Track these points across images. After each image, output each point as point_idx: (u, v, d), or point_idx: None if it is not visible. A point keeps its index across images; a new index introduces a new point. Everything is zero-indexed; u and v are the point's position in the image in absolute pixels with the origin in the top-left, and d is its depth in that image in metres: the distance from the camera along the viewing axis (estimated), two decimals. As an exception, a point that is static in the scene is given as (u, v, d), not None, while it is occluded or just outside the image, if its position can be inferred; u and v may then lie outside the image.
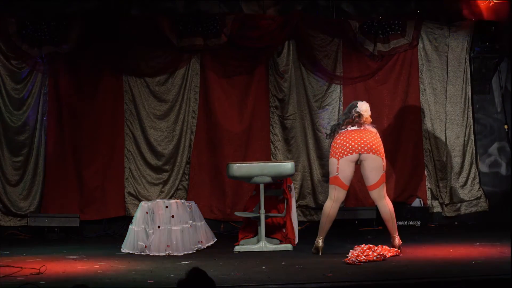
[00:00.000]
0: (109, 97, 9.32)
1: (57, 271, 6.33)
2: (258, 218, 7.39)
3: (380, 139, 7.23)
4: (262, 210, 7.34)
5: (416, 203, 9.41)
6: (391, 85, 9.59)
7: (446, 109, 9.63)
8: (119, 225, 9.11)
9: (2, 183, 9.10)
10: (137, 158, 9.36)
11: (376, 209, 9.23)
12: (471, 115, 9.68)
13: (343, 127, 7.23)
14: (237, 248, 7.42)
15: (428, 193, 9.55)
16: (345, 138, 7.11)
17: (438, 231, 8.96)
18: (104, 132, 9.30)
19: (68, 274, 6.23)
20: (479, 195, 9.61)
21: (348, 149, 7.07)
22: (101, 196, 9.26)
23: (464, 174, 9.62)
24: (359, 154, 7.06)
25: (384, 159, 7.16)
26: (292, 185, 7.75)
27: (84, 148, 9.26)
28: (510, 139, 9.69)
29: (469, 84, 9.67)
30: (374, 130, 7.23)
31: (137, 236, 7.43)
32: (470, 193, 9.61)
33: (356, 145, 7.07)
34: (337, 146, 7.13)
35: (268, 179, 7.41)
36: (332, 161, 7.16)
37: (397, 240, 7.08)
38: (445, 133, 9.62)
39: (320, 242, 7.12)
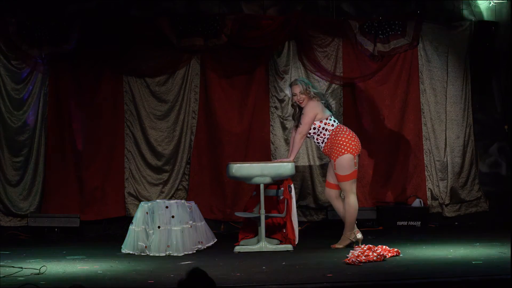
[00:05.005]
0: (109, 97, 9.32)
1: (57, 271, 6.33)
2: (258, 218, 7.39)
3: None
4: (262, 211, 7.34)
5: (416, 203, 9.41)
6: (391, 85, 9.59)
7: (446, 109, 9.63)
8: (119, 225, 9.11)
9: (2, 184, 9.10)
10: (137, 159, 9.37)
11: (376, 209, 9.31)
12: (471, 115, 9.68)
13: (336, 120, 7.55)
14: (237, 248, 7.41)
15: (428, 194, 9.55)
16: (353, 135, 7.46)
17: (438, 231, 8.96)
18: (104, 132, 9.30)
19: (68, 274, 6.23)
20: (479, 196, 9.61)
21: (359, 146, 7.47)
22: (101, 196, 9.26)
23: (464, 174, 9.62)
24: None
25: None
26: (292, 186, 7.75)
27: (84, 148, 9.26)
28: (510, 139, 9.70)
29: (469, 84, 9.67)
30: None
31: (137, 236, 7.42)
32: (470, 193, 9.61)
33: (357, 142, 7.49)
34: (352, 143, 7.39)
35: (268, 180, 7.40)
36: (349, 157, 7.36)
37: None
38: (445, 133, 9.62)
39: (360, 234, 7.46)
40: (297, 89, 7.48)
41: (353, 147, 7.36)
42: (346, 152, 7.33)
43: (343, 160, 7.34)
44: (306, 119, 7.42)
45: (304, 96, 7.46)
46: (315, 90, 7.51)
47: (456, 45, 9.63)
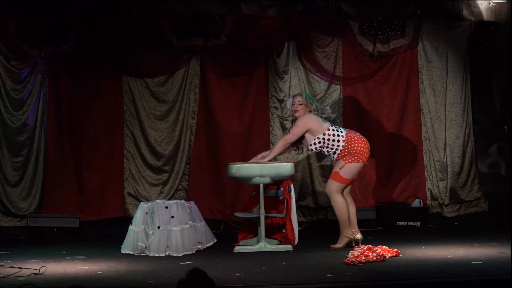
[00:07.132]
0: (109, 97, 9.32)
1: (57, 271, 6.33)
2: (258, 218, 7.39)
3: None
4: (262, 211, 7.34)
5: (416, 203, 9.41)
6: (391, 86, 9.59)
7: (446, 109, 9.63)
8: (118, 225, 9.10)
9: (2, 184, 9.09)
10: (136, 159, 9.36)
11: (376, 209, 9.31)
12: (471, 116, 9.68)
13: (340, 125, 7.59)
14: (237, 249, 7.42)
15: (428, 194, 9.56)
16: (365, 142, 7.48)
17: (438, 231, 8.96)
18: (103, 132, 9.30)
19: (68, 274, 6.23)
20: (478, 196, 9.61)
21: (368, 153, 7.49)
22: (100, 196, 9.26)
23: (463, 174, 9.62)
24: None
25: None
26: (291, 186, 7.76)
27: (83, 148, 9.26)
28: (510, 140, 9.70)
29: (469, 84, 9.67)
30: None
31: (137, 236, 7.43)
32: (470, 193, 9.61)
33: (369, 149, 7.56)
34: (365, 151, 7.45)
35: (267, 180, 7.41)
36: (360, 166, 7.46)
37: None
38: (445, 134, 9.62)
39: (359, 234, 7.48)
40: (299, 98, 7.52)
41: (366, 155, 7.43)
42: (360, 161, 7.41)
43: (353, 167, 7.39)
44: (295, 129, 7.46)
45: (303, 106, 7.47)
46: (316, 106, 7.50)
47: (456, 45, 9.63)
